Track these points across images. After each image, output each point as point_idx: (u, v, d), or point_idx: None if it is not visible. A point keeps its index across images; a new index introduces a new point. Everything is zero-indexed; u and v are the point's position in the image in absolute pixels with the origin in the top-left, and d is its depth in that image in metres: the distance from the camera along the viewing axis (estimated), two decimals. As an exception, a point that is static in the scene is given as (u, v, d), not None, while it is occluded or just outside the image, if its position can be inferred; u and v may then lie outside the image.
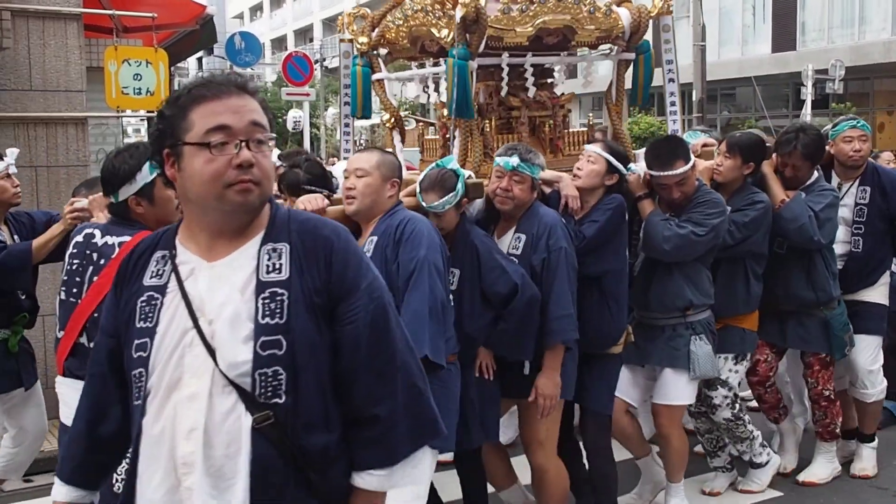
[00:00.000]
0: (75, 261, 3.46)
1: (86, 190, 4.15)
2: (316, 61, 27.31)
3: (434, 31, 4.85)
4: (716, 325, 4.77)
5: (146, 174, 3.35)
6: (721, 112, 29.48)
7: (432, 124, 6.00)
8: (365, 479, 2.15)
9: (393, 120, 5.49)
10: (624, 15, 5.10)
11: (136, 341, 2.13)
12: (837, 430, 5.27)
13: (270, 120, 2.14)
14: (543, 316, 4.04)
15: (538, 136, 5.13)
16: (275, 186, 4.28)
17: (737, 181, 4.81)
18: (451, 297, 3.88)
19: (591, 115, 5.66)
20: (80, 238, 3.48)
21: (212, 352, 2.05)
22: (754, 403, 5.67)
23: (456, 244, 4.06)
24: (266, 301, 2.07)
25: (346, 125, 5.88)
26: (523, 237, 4.16)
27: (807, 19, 26.31)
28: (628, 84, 5.41)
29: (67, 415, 3.34)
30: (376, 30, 5.32)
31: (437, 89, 5.37)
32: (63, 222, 4.18)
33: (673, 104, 5.53)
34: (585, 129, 5.36)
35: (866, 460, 5.36)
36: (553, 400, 4.11)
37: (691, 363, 4.51)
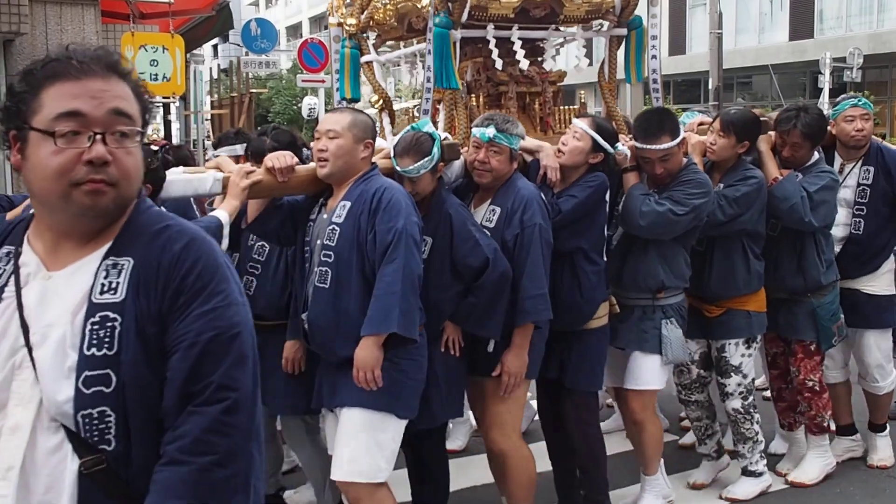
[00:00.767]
0: None
1: None
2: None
3: (418, 5, 4.72)
4: (718, 308, 4.64)
5: None
6: (737, 100, 29.31)
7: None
8: None
9: (382, 102, 5.35)
10: None
11: None
12: (826, 424, 4.99)
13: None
14: (515, 293, 3.89)
15: (528, 113, 5.00)
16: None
17: (731, 160, 4.63)
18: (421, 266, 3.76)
19: (582, 92, 5.51)
20: None
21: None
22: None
23: (430, 212, 3.90)
24: (95, 327, 1.71)
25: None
26: (498, 210, 4.01)
27: (824, 7, 26.09)
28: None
29: None
30: (365, 12, 5.19)
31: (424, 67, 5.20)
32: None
33: (655, 81, 5.28)
34: (577, 106, 5.21)
35: (882, 450, 5.20)
36: (518, 378, 3.97)
37: (663, 347, 4.35)
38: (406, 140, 3.87)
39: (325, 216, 3.67)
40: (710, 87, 24.90)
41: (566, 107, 5.18)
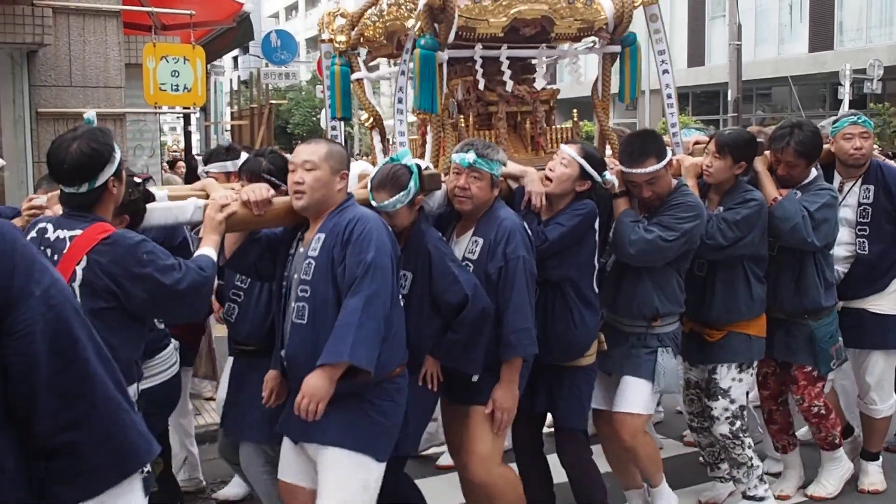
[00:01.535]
0: None
1: (46, 185, 3.99)
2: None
3: (407, 24, 4.64)
4: (719, 332, 4.53)
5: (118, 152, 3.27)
6: (756, 112, 29.22)
7: None
8: None
9: (372, 120, 5.28)
10: (606, 5, 4.81)
11: None
12: (837, 441, 4.91)
13: None
14: (501, 327, 3.82)
15: (519, 133, 4.91)
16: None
17: (728, 181, 4.51)
18: (401, 300, 3.68)
19: (575, 110, 5.32)
20: (33, 234, 3.32)
21: None
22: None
23: (409, 246, 3.83)
24: None
25: (334, 128, 5.63)
26: (480, 241, 3.92)
27: (844, 18, 25.96)
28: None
29: None
30: (355, 29, 5.11)
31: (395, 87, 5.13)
32: (21, 219, 3.90)
33: (669, 97, 5.19)
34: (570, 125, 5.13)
35: (874, 475, 5.05)
36: (511, 413, 3.91)
37: (656, 375, 4.25)
38: (383, 173, 3.79)
39: (301, 250, 3.57)
40: (729, 98, 24.80)
41: (560, 125, 5.11)
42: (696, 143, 5.05)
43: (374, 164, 4.61)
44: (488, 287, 3.82)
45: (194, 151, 18.11)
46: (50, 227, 3.26)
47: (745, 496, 4.64)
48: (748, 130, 4.73)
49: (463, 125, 4.69)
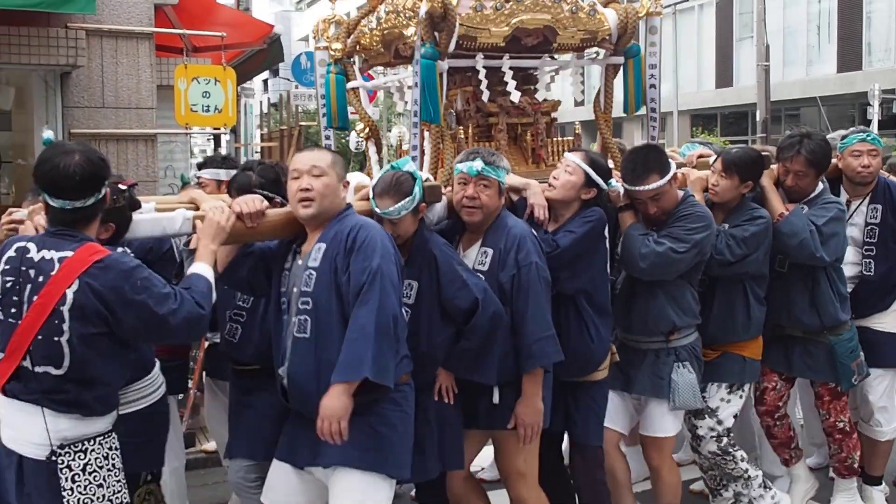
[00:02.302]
0: (9, 278, 3.13)
1: (31, 198, 3.89)
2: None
3: (405, 32, 4.58)
4: (714, 352, 4.42)
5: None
6: (785, 132, 29.04)
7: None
8: None
9: (368, 130, 5.19)
10: (610, 16, 4.73)
11: None
12: (856, 465, 4.80)
13: None
14: (520, 338, 3.70)
15: (519, 145, 4.83)
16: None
17: (734, 200, 4.42)
18: (406, 311, 3.59)
19: (577, 123, 5.25)
20: (11, 253, 3.16)
21: None
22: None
23: (413, 254, 3.73)
24: None
25: (327, 137, 5.48)
26: (490, 251, 3.81)
27: (873, 39, 25.79)
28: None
29: (10, 437, 3.16)
30: (351, 36, 5.01)
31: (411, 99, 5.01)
32: None
33: (654, 111, 5.05)
34: (572, 138, 5.05)
35: (878, 501, 4.92)
36: (536, 428, 3.79)
37: (671, 393, 4.16)
38: (386, 180, 3.69)
39: (300, 262, 3.45)
40: (757, 119, 24.70)
41: (562, 138, 5.00)
42: (700, 156, 4.96)
43: (369, 175, 4.55)
44: (502, 298, 3.71)
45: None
46: (33, 246, 3.11)
47: None
48: (755, 149, 4.63)
49: (462, 136, 4.61)
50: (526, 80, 4.86)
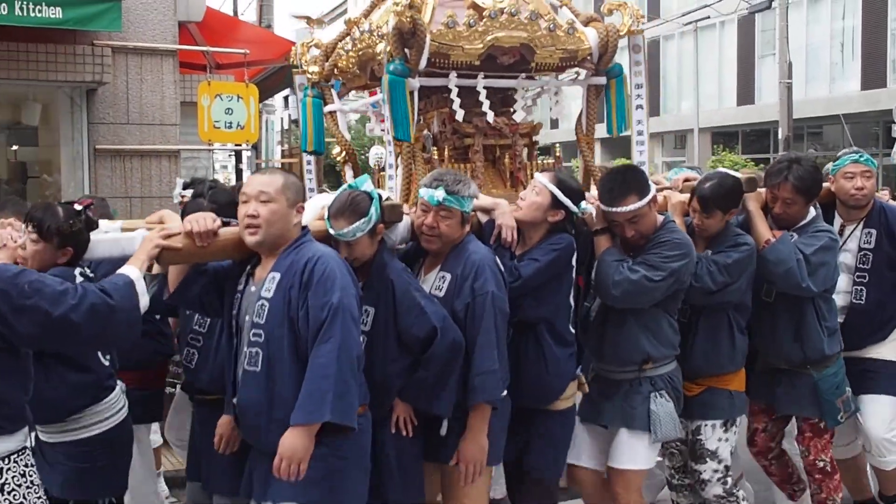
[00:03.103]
0: None
1: (8, 210, 3.88)
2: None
3: (377, 49, 4.44)
4: (697, 386, 4.20)
5: None
6: (808, 150, 28.91)
7: None
8: None
9: (345, 154, 5.03)
10: (590, 35, 4.54)
11: None
12: None
13: None
14: (468, 369, 3.53)
15: (497, 168, 4.65)
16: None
17: (720, 230, 4.20)
18: (362, 338, 3.43)
19: (557, 144, 5.23)
20: None
21: None
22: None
23: (371, 278, 3.56)
24: None
25: (309, 162, 5.33)
26: (448, 277, 3.65)
27: (897, 56, 25.71)
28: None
29: None
30: (329, 59, 4.85)
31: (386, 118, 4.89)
32: None
33: (640, 133, 4.91)
34: (553, 160, 4.88)
35: None
36: (478, 466, 3.58)
37: (652, 424, 3.92)
38: (341, 200, 3.53)
39: (252, 288, 3.32)
40: (779, 137, 24.59)
41: (543, 160, 4.83)
42: (686, 180, 4.68)
43: None
44: (455, 325, 3.56)
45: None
46: None
47: None
48: (729, 176, 4.33)
49: (437, 158, 4.45)
50: (504, 101, 4.68)
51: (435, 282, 3.69)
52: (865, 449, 4.69)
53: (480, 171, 4.47)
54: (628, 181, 3.92)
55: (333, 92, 5.00)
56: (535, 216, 3.85)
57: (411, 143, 4.31)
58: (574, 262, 3.90)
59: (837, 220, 4.67)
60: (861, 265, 4.58)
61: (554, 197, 3.83)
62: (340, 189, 3.66)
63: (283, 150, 20.12)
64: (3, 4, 5.92)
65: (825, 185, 4.57)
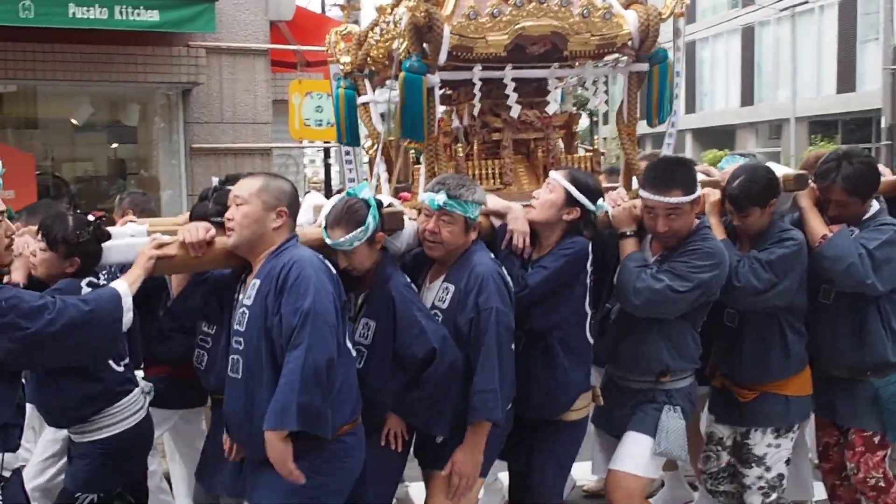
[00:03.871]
0: None
1: (26, 217, 4.00)
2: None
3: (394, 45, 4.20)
4: (751, 392, 3.96)
5: None
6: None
7: (603, 153, 5.52)
8: None
9: (377, 148, 4.78)
10: (630, 18, 4.21)
11: None
12: None
13: None
14: (471, 385, 3.40)
15: (531, 162, 4.38)
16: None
17: (765, 225, 3.92)
18: (362, 351, 3.39)
19: (596, 137, 4.89)
20: None
21: None
22: None
23: (373, 290, 3.45)
24: None
25: (347, 153, 5.15)
26: (452, 289, 3.51)
27: None
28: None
29: None
30: (362, 48, 4.63)
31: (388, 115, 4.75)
32: None
33: (673, 125, 4.58)
34: (591, 153, 4.55)
35: None
36: (470, 480, 3.47)
37: (658, 433, 3.69)
38: (337, 208, 3.42)
39: (239, 296, 3.29)
40: (882, 125, 23.79)
41: (582, 154, 4.52)
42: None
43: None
44: (458, 340, 3.42)
45: (334, 183, 18.62)
46: None
47: None
48: (760, 168, 4.03)
49: (461, 154, 4.24)
50: (539, 92, 4.37)
51: (439, 293, 3.55)
52: None
53: (510, 166, 4.23)
54: (677, 173, 3.69)
55: (367, 83, 4.74)
56: (549, 215, 3.67)
57: (434, 140, 4.10)
58: (589, 267, 3.68)
59: None
60: None
61: (569, 194, 3.65)
62: (338, 197, 3.55)
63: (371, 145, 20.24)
64: (104, 10, 6.14)
65: (889, 177, 4.24)
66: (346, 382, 3.19)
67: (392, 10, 4.38)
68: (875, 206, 4.06)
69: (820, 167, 4.05)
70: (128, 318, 3.23)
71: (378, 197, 3.58)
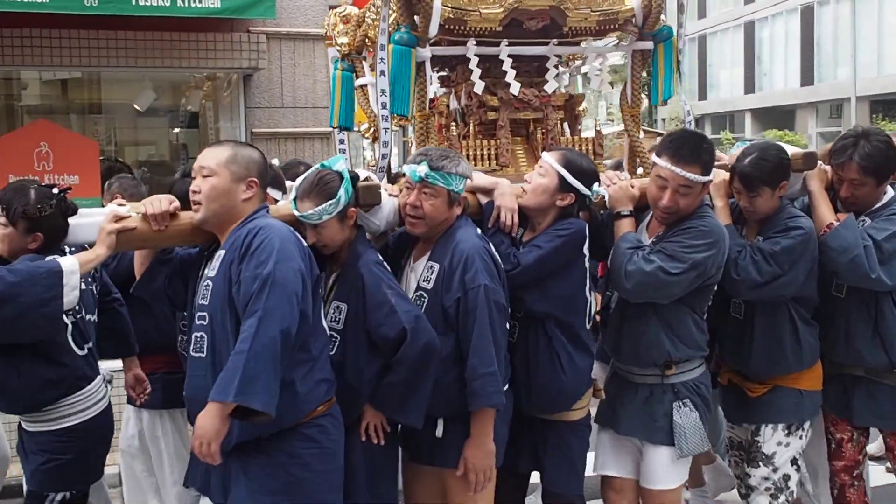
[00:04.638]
0: None
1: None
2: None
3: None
4: (762, 386, 3.77)
5: None
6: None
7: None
8: None
9: (374, 131, 4.60)
10: None
11: None
12: None
13: None
14: (466, 371, 3.21)
15: (531, 144, 4.21)
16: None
17: (773, 209, 3.72)
18: (335, 337, 3.21)
19: (597, 120, 4.66)
20: None
21: None
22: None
23: (345, 269, 3.27)
24: None
25: (341, 141, 4.99)
26: (436, 267, 3.30)
27: None
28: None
29: None
30: (360, 29, 4.48)
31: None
32: None
33: (689, 113, 4.39)
34: (594, 135, 4.37)
35: None
36: (487, 472, 3.28)
37: (677, 438, 3.48)
38: (308, 180, 3.23)
39: (205, 271, 3.08)
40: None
41: (586, 136, 4.34)
42: None
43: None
44: (446, 323, 3.24)
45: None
46: None
47: None
48: (767, 144, 3.86)
49: (456, 134, 4.07)
50: (539, 70, 4.20)
51: (423, 272, 3.34)
52: None
53: (506, 147, 4.04)
54: (700, 150, 3.47)
55: (365, 65, 4.60)
56: (542, 201, 3.46)
57: (425, 118, 3.94)
58: (587, 251, 3.47)
59: None
60: None
61: (562, 179, 3.43)
62: (313, 167, 3.35)
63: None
64: (166, -3, 6.26)
65: None
66: (321, 359, 3.02)
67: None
68: (890, 193, 3.85)
69: (836, 145, 3.84)
70: (71, 296, 3.12)
71: (355, 170, 3.40)
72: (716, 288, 3.61)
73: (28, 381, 3.39)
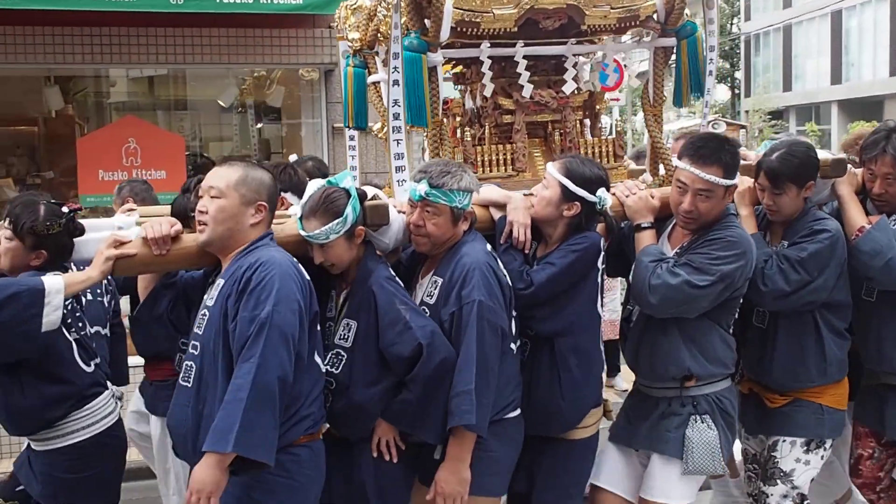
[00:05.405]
0: None
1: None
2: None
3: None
4: (782, 398, 3.62)
5: None
6: None
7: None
8: None
9: (386, 131, 4.38)
10: None
11: None
12: None
13: None
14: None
15: (548, 146, 4.06)
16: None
17: (797, 211, 3.59)
18: (341, 356, 3.14)
19: (618, 119, 4.38)
20: None
21: None
22: None
23: (354, 288, 3.19)
24: None
25: (352, 138, 4.87)
26: (439, 282, 3.23)
27: None
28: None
29: None
30: (372, 23, 4.32)
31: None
32: None
33: (707, 104, 4.22)
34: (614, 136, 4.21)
35: None
36: (455, 500, 3.13)
37: (685, 452, 3.34)
38: (314, 198, 3.13)
39: (206, 298, 3.03)
40: None
41: (609, 137, 4.19)
42: None
43: (389, 184, 3.92)
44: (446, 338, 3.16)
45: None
46: None
47: None
48: (795, 141, 3.74)
49: (469, 139, 3.94)
50: (557, 70, 4.06)
51: (427, 287, 3.26)
52: None
53: (522, 151, 3.91)
54: (722, 152, 3.34)
55: (378, 60, 4.45)
56: (548, 213, 3.35)
57: (438, 123, 3.80)
58: (601, 265, 3.36)
59: None
60: None
61: (565, 189, 3.31)
62: (319, 185, 3.24)
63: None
64: (249, -5, 6.38)
65: None
66: (309, 398, 2.95)
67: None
68: None
69: (868, 139, 3.71)
70: (53, 317, 3.08)
71: (362, 188, 3.31)
72: (742, 300, 3.49)
73: (32, 400, 3.34)
